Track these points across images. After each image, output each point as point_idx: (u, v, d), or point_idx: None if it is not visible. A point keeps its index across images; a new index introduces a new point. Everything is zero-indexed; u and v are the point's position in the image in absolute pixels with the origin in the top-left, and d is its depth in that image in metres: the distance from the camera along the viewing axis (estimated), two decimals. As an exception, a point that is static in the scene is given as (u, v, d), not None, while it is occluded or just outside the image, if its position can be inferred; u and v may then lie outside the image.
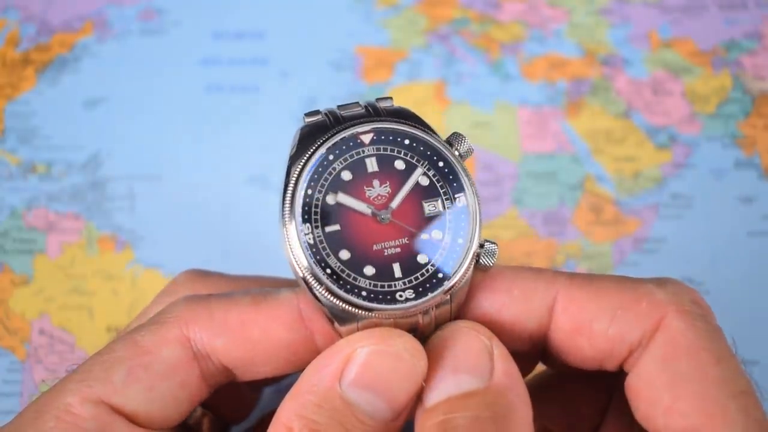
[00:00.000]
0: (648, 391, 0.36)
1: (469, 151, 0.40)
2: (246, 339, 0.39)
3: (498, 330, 0.38)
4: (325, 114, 0.40)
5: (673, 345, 0.36)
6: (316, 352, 0.39)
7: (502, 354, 0.36)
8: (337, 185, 0.38)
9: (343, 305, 0.37)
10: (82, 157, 0.66)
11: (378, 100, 0.41)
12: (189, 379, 0.39)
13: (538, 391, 0.44)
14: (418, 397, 0.37)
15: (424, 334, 0.38)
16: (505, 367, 0.36)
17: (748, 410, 0.34)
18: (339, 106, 0.40)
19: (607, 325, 0.37)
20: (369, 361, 0.35)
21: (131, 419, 0.37)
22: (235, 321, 0.39)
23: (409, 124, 0.39)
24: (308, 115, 0.40)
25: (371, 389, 0.35)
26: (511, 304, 0.38)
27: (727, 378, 0.35)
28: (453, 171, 0.39)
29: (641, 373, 0.37)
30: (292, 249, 0.37)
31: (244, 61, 0.70)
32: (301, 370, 0.38)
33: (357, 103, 0.41)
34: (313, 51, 0.70)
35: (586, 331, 0.38)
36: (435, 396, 0.35)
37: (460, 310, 0.39)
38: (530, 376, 0.46)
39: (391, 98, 0.41)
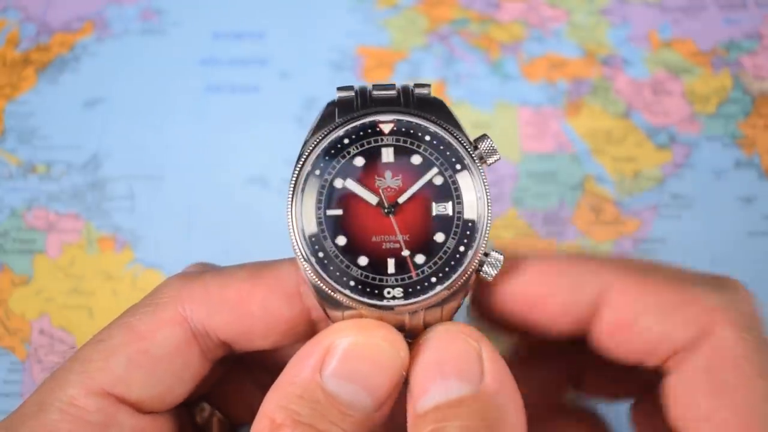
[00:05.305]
0: (687, 395, 0.36)
1: (490, 153, 0.38)
2: (245, 314, 0.39)
3: (537, 320, 0.37)
4: (357, 92, 0.39)
5: (720, 354, 0.35)
6: (314, 326, 0.39)
7: (492, 356, 0.35)
8: (348, 170, 0.37)
9: (330, 291, 0.36)
10: (82, 157, 0.66)
11: (416, 85, 0.39)
12: (189, 359, 0.39)
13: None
14: (405, 390, 0.36)
15: (411, 334, 0.37)
16: (495, 370, 0.35)
17: None
18: (374, 86, 0.39)
19: (655, 323, 0.36)
20: (348, 351, 0.35)
21: (136, 406, 0.37)
22: (233, 296, 0.38)
23: (433, 120, 0.38)
24: (340, 89, 0.39)
25: (351, 380, 0.35)
26: (558, 293, 0.38)
27: None
28: (469, 175, 0.38)
29: (683, 377, 0.36)
30: (292, 226, 0.37)
31: (244, 61, 0.70)
32: (301, 342, 0.38)
33: (393, 84, 0.39)
34: (313, 51, 0.70)
35: (632, 326, 0.37)
36: (425, 402, 0.35)
37: (481, 303, 0.38)
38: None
39: (428, 85, 0.39)
